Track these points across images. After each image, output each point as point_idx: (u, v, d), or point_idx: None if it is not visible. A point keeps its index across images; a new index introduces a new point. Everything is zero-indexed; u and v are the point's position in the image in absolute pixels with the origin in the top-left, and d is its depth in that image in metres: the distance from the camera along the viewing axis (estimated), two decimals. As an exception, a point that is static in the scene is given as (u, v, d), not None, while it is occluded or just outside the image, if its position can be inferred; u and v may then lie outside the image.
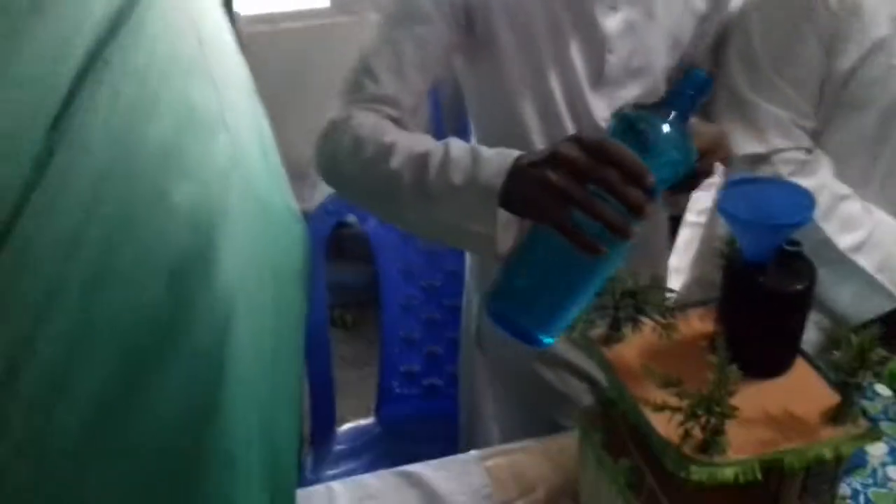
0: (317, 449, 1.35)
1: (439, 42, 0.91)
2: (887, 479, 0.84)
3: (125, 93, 0.33)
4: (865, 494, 0.82)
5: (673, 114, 0.67)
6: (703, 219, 1.19)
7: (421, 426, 1.38)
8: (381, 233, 1.35)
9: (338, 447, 1.35)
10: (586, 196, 0.65)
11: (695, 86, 0.68)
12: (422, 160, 0.79)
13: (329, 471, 1.29)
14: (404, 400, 1.40)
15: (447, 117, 2.04)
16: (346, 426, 1.41)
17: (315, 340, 1.33)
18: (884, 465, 0.85)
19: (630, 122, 0.67)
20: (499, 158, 0.75)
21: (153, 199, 0.33)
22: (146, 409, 0.33)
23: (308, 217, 1.32)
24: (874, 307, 1.05)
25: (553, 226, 0.66)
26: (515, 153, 0.74)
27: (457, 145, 0.80)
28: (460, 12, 0.91)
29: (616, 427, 0.79)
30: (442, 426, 1.27)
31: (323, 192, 1.47)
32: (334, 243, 2.32)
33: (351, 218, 1.36)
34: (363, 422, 1.42)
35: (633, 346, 0.76)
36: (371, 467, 0.95)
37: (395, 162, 0.80)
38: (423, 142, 0.82)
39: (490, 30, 0.93)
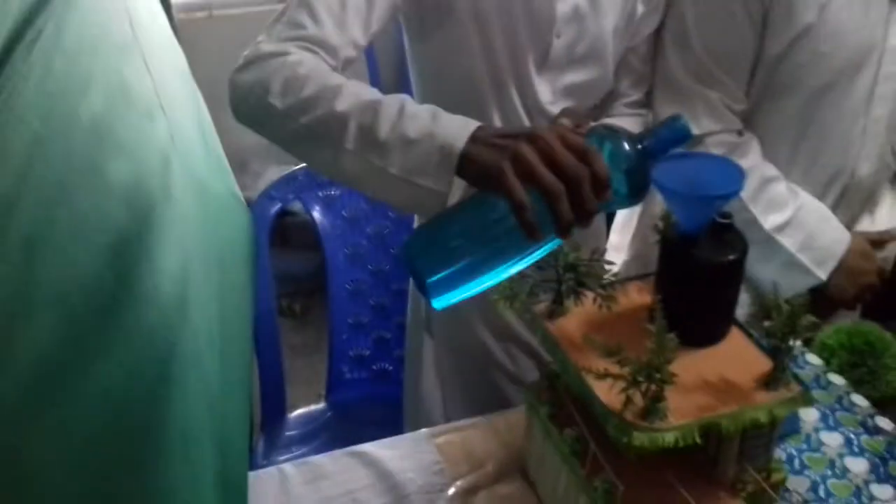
0: (268, 435, 1.34)
1: (386, 1, 0.89)
2: (820, 443, 0.87)
3: (57, 66, 0.33)
4: (800, 458, 0.86)
5: (642, 149, 0.69)
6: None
7: (371, 410, 1.39)
8: (327, 218, 1.34)
9: (288, 433, 1.35)
10: (555, 182, 0.65)
11: (673, 133, 0.70)
12: (373, 106, 0.76)
13: (280, 456, 1.28)
14: (354, 384, 1.41)
15: (387, 85, 2.03)
16: (296, 412, 1.41)
17: (263, 329, 1.33)
18: (816, 430, 0.89)
19: (602, 141, 0.69)
20: (460, 120, 0.74)
21: (88, 173, 0.33)
22: (91, 380, 0.33)
23: (251, 204, 1.30)
24: (796, 284, 1.11)
25: (508, 198, 0.65)
26: (476, 122, 0.74)
27: (412, 101, 0.77)
28: None
29: (561, 400, 0.80)
30: (392, 410, 1.28)
31: (266, 179, 1.45)
32: (279, 232, 2.31)
33: (296, 205, 1.35)
34: (314, 407, 1.41)
35: (576, 318, 0.78)
36: (322, 451, 0.94)
37: (342, 104, 0.76)
38: (372, 91, 0.79)
39: (449, 2, 0.92)
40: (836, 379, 0.96)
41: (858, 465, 0.85)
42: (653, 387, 0.66)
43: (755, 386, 0.71)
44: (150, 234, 0.34)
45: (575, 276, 0.78)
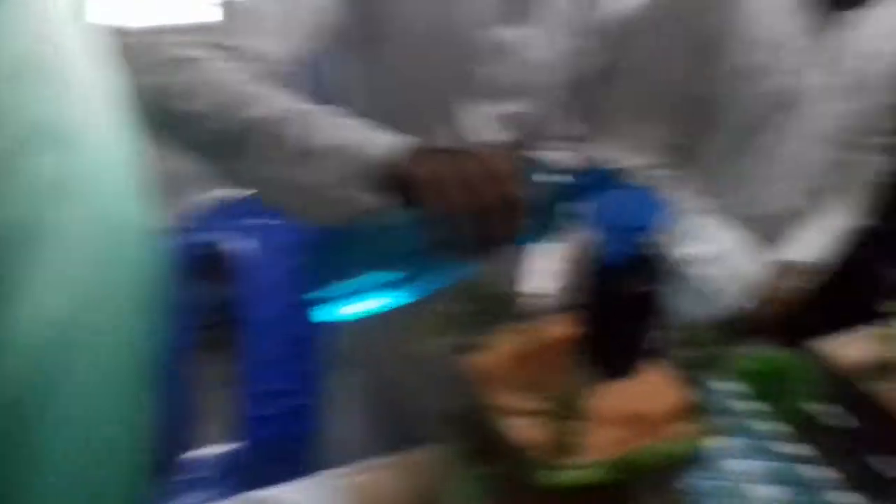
0: (174, 476, 1.28)
1: (324, 16, 0.86)
2: (732, 473, 0.88)
3: None
4: (712, 488, 0.85)
5: (565, 187, 0.70)
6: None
7: (285, 448, 1.33)
8: (247, 247, 1.30)
9: (196, 474, 1.29)
10: (473, 201, 0.63)
11: (599, 177, 0.70)
12: (291, 114, 0.72)
13: (187, 500, 1.22)
14: (268, 421, 1.36)
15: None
16: (205, 452, 1.35)
17: (175, 363, 1.27)
18: (729, 459, 0.89)
19: (525, 171, 0.68)
20: (386, 133, 0.71)
21: None
22: None
23: (169, 233, 1.26)
24: (710, 313, 1.13)
25: (423, 211, 0.63)
26: (399, 136, 0.71)
27: (331, 111, 0.74)
28: None
29: (477, 436, 0.78)
30: (307, 448, 1.23)
31: (193, 207, 1.41)
32: (198, 261, 2.25)
33: (213, 234, 1.31)
34: (224, 447, 1.36)
35: (492, 352, 0.77)
36: (233, 493, 0.90)
37: (257, 111, 0.72)
38: (290, 98, 0.75)
39: (380, 22, 0.91)
40: (749, 406, 0.97)
41: (770, 494, 0.85)
42: (569, 423, 0.65)
43: (672, 418, 0.71)
44: (22, 271, 0.32)
45: (492, 307, 0.76)
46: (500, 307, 0.77)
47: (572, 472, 0.65)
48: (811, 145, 1.13)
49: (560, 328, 0.80)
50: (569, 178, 0.70)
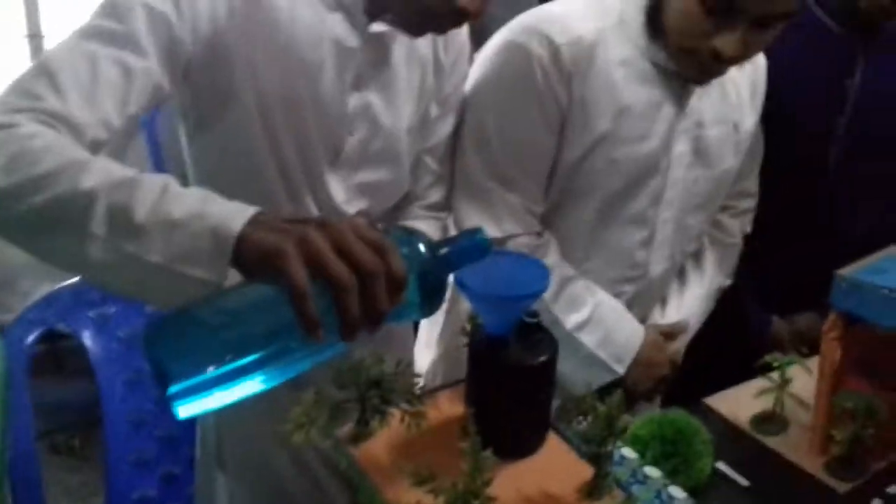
0: None
1: (148, 81, 0.78)
2: (644, 543, 0.84)
3: None
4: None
5: (440, 257, 0.64)
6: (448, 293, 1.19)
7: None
8: (100, 341, 1.18)
9: None
10: (345, 272, 0.56)
11: (472, 246, 0.65)
12: (128, 184, 0.63)
13: None
14: (137, 533, 1.21)
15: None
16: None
17: (21, 471, 1.12)
18: (639, 530, 0.86)
19: (397, 241, 0.62)
20: (235, 203, 0.63)
21: None
22: None
23: (4, 329, 1.12)
24: (595, 379, 1.13)
25: (287, 284, 0.55)
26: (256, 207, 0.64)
27: (176, 181, 0.66)
28: (178, 63, 0.81)
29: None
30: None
31: (34, 299, 1.27)
32: (50, 358, 2.08)
33: (62, 327, 1.18)
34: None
35: (383, 441, 0.70)
36: None
37: (88, 181, 0.63)
38: (128, 168, 0.66)
39: (230, 89, 0.85)
40: (653, 472, 0.94)
41: (684, 564, 0.82)
42: (470, 514, 0.59)
43: (578, 497, 0.67)
44: None
45: (379, 392, 0.70)
46: (388, 389, 0.70)
47: (478, 571, 0.59)
48: (680, 209, 1.16)
49: (451, 405, 0.75)
50: (439, 248, 0.65)
